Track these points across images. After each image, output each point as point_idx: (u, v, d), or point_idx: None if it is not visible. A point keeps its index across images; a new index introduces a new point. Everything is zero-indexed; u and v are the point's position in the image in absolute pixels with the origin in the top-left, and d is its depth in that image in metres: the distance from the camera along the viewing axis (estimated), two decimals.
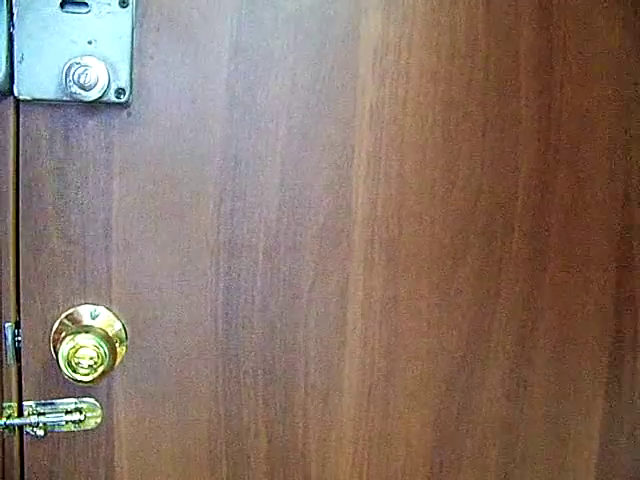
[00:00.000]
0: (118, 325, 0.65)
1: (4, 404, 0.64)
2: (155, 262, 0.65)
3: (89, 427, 0.66)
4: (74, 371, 0.59)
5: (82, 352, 0.59)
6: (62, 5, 0.57)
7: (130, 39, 0.59)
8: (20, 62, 0.57)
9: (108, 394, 0.66)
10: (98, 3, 0.58)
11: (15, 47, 0.57)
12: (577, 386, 0.79)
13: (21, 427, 0.64)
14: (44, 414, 0.64)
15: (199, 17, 0.63)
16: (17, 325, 0.63)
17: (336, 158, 0.67)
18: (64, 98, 0.58)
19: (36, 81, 0.58)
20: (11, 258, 0.62)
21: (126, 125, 0.63)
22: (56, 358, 0.60)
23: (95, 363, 0.59)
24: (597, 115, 0.74)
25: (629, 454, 0.82)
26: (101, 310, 0.64)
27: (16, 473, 0.65)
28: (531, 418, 0.78)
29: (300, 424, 0.71)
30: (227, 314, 0.67)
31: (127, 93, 0.60)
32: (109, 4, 0.58)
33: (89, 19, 0.58)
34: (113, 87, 0.59)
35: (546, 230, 0.74)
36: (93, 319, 0.64)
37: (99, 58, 0.57)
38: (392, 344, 0.72)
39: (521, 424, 0.78)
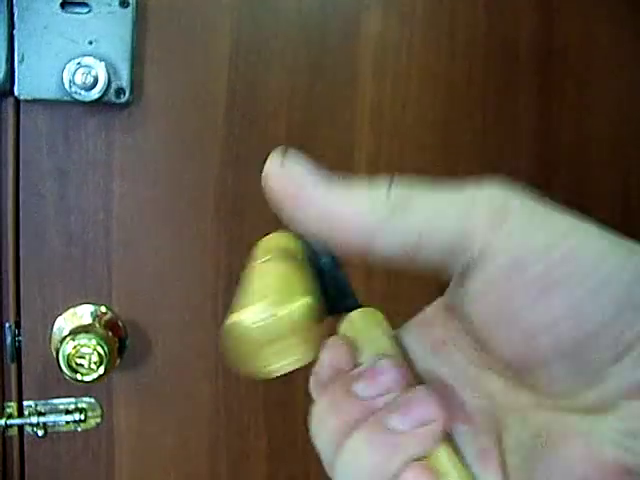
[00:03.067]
0: (118, 325, 0.65)
1: (4, 404, 0.64)
2: (155, 262, 0.65)
3: (89, 427, 0.66)
4: (74, 371, 0.59)
5: (82, 352, 0.59)
6: (62, 5, 0.57)
7: (130, 39, 0.59)
8: (20, 62, 0.57)
9: (108, 394, 0.66)
10: (98, 3, 0.58)
11: (15, 47, 0.57)
12: None
13: (21, 427, 0.64)
14: (44, 414, 0.64)
15: (199, 17, 0.63)
16: (17, 325, 0.63)
17: (336, 158, 0.67)
18: (64, 98, 0.58)
19: (36, 81, 0.58)
20: (11, 258, 0.62)
21: (126, 125, 0.63)
22: (56, 358, 0.60)
23: (95, 363, 0.59)
24: (597, 115, 0.74)
25: None
26: (101, 310, 0.64)
27: (16, 473, 0.65)
28: None
29: (300, 424, 0.71)
30: (227, 314, 0.67)
31: (127, 93, 0.60)
32: (109, 4, 0.58)
33: (89, 19, 0.58)
34: (113, 87, 0.59)
35: None
36: (93, 319, 0.64)
37: (99, 58, 0.57)
38: None
39: None
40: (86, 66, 0.57)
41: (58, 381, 0.64)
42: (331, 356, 0.26)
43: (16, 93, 0.58)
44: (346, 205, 0.22)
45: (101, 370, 0.59)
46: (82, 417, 0.64)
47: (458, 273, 0.21)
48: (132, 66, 0.60)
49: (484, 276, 0.20)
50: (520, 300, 0.20)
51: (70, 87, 0.57)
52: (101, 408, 0.66)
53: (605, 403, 0.20)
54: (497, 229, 0.20)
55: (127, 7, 0.58)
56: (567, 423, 0.21)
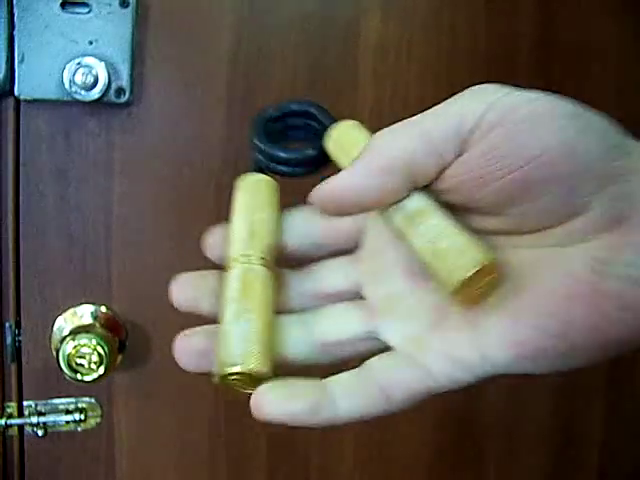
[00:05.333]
0: (118, 325, 0.65)
1: (4, 404, 0.64)
2: (155, 262, 0.65)
3: (89, 427, 0.66)
4: (74, 371, 0.59)
5: (82, 352, 0.59)
6: (63, 5, 0.57)
7: (131, 39, 0.59)
8: (20, 62, 0.57)
9: (108, 394, 0.66)
10: (99, 3, 0.58)
11: (15, 47, 0.57)
12: (578, 380, 0.79)
13: (21, 427, 0.64)
14: (44, 414, 0.64)
15: (200, 17, 0.63)
16: (17, 325, 0.63)
17: None
18: (64, 98, 0.58)
19: (36, 81, 0.58)
20: (11, 258, 0.62)
21: (126, 125, 0.63)
22: (56, 358, 0.60)
23: (95, 363, 0.59)
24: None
25: (631, 448, 0.83)
26: (101, 310, 0.64)
27: (16, 473, 0.65)
28: (533, 413, 0.78)
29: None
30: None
31: (127, 93, 0.60)
32: (110, 4, 0.58)
33: (90, 19, 0.58)
34: (113, 87, 0.59)
35: None
36: (93, 319, 0.64)
37: (100, 58, 0.58)
38: None
39: (522, 419, 0.78)
40: (86, 66, 0.57)
41: (58, 381, 0.64)
42: None
43: (16, 93, 0.58)
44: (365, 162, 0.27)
45: (101, 370, 0.59)
46: (82, 417, 0.64)
47: (458, 144, 0.25)
48: (132, 66, 0.60)
49: (483, 129, 0.25)
50: (517, 137, 0.24)
51: (70, 87, 0.57)
52: (101, 408, 0.66)
53: (574, 238, 0.24)
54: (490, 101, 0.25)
55: (127, 7, 0.58)
56: (539, 257, 0.25)
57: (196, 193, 0.65)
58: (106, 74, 0.57)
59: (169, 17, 0.62)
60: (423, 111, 0.28)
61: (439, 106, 0.26)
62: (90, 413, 0.66)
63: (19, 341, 0.63)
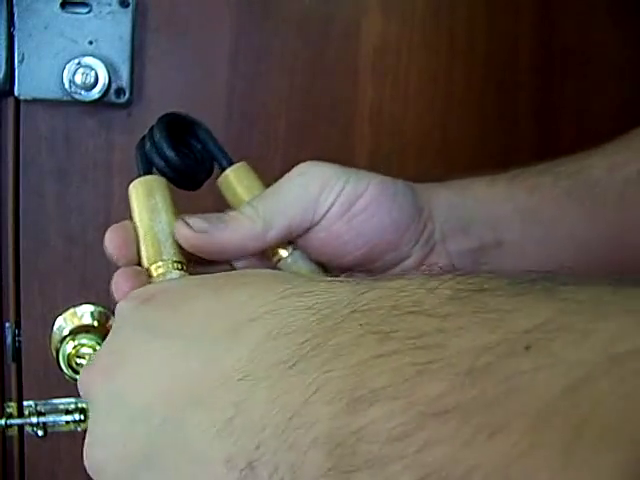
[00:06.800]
0: None
1: (4, 404, 0.64)
2: None
3: None
4: (75, 371, 0.59)
5: (82, 352, 0.59)
6: (63, 5, 0.57)
7: (131, 39, 0.59)
8: (20, 62, 0.57)
9: None
10: (99, 3, 0.58)
11: (15, 47, 0.57)
12: None
13: (21, 427, 0.64)
14: (44, 414, 0.64)
15: (199, 17, 0.63)
16: (17, 325, 0.63)
17: (336, 158, 0.67)
18: (64, 98, 0.58)
19: (36, 81, 0.58)
20: (11, 258, 0.62)
21: (126, 125, 0.63)
22: (56, 358, 0.60)
23: None
24: (597, 115, 0.74)
25: None
26: (101, 310, 0.64)
27: (16, 473, 0.65)
28: None
29: None
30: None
31: (127, 93, 0.60)
32: (110, 4, 0.58)
33: (90, 19, 0.58)
34: (113, 87, 0.59)
35: None
36: (93, 319, 0.64)
37: (99, 58, 0.57)
38: None
39: None
40: (86, 66, 0.57)
41: (58, 381, 0.64)
42: None
43: (16, 93, 0.58)
44: (238, 235, 0.34)
45: None
46: (82, 417, 0.64)
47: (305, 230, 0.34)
48: (132, 66, 0.60)
49: (330, 219, 0.33)
50: (357, 227, 0.33)
51: (70, 87, 0.57)
52: None
53: (408, 271, 0.33)
54: (324, 200, 0.34)
55: (127, 7, 0.58)
56: None
57: (195, 193, 0.65)
58: (106, 74, 0.57)
59: (169, 17, 0.62)
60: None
61: (292, 189, 0.35)
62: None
63: (19, 341, 0.63)
